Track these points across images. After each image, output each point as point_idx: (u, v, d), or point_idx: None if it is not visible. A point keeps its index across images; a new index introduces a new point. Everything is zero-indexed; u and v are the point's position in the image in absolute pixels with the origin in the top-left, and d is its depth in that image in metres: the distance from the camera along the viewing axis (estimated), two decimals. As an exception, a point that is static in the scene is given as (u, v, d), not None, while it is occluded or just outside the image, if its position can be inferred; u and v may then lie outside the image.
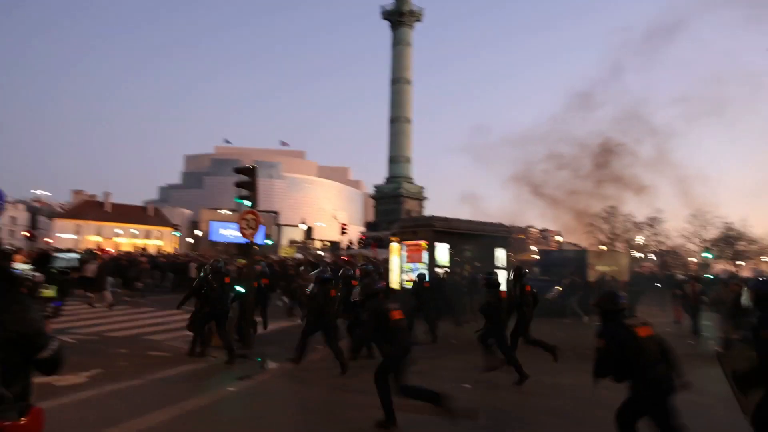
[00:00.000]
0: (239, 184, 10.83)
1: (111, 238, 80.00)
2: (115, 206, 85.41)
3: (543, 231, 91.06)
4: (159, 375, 7.87)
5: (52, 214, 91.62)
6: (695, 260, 62.50)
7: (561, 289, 19.22)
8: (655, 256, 62.39)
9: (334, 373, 8.16)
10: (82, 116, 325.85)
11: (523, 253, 59.53)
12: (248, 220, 10.58)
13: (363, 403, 6.33)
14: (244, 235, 10.60)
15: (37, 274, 6.08)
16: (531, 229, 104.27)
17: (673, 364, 4.44)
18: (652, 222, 60.58)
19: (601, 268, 20.76)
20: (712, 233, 59.11)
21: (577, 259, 20.96)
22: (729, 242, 59.61)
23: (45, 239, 73.49)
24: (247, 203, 10.75)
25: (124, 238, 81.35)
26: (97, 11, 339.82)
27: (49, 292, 9.03)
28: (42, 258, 8.98)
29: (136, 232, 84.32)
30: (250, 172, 10.79)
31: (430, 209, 53.01)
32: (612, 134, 19.82)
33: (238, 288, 10.25)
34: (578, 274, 19.52)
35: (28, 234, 26.38)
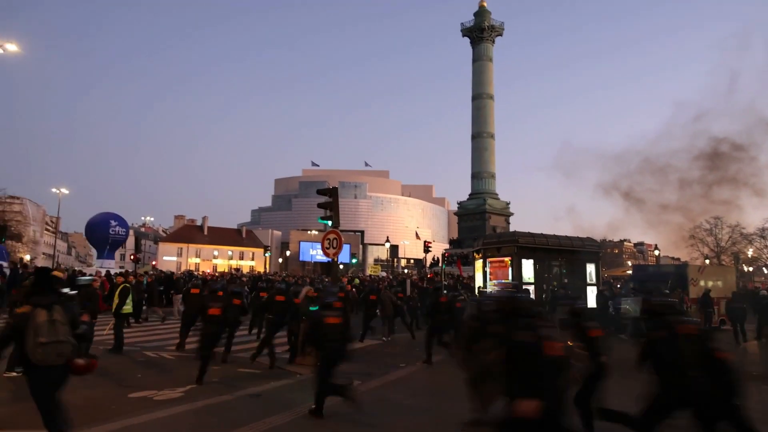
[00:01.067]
0: (321, 205, 11.14)
1: (209, 260, 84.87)
2: (212, 229, 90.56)
3: (638, 245, 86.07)
4: (248, 391, 8.17)
5: (157, 238, 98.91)
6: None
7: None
8: (768, 270, 57.01)
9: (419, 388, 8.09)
10: (183, 145, 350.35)
11: (616, 269, 56.56)
12: (330, 240, 10.83)
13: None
14: (326, 254, 10.86)
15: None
16: (626, 243, 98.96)
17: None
18: (764, 233, 55.50)
19: (705, 283, 19.26)
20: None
21: (677, 273, 19.56)
22: None
23: (152, 262, 79.29)
24: (330, 223, 11.02)
25: (221, 260, 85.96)
26: (198, 43, 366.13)
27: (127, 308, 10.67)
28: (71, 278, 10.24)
29: (231, 253, 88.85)
30: (332, 192, 11.07)
31: (516, 226, 51.85)
32: (724, 141, 18.68)
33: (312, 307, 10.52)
34: (679, 289, 18.24)
35: (133, 257, 28.50)
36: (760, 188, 18.96)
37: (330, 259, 10.99)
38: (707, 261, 49.66)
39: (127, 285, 11.82)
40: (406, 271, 65.73)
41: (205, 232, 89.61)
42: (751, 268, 54.60)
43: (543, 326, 3.79)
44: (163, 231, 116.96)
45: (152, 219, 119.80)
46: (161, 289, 21.72)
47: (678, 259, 58.26)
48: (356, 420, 6.78)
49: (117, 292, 11.82)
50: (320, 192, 11.33)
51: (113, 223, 46.12)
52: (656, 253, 42.81)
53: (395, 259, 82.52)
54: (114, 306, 11.75)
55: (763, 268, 58.05)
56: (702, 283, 19.17)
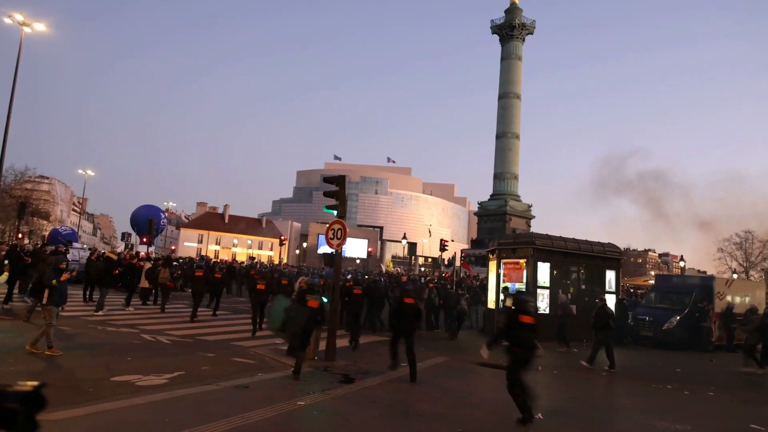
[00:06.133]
0: (328, 194, 10.70)
1: (229, 248, 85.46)
2: (233, 218, 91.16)
3: (663, 255, 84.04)
4: (235, 382, 7.78)
5: (180, 224, 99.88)
6: None
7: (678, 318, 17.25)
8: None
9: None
10: (208, 133, 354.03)
11: (638, 278, 55.14)
12: (335, 230, 10.39)
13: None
14: (330, 245, 10.43)
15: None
16: (650, 253, 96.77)
17: None
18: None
19: (731, 298, 18.35)
20: None
21: (702, 286, 18.67)
22: None
23: (171, 246, 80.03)
24: (336, 213, 10.57)
25: (240, 248, 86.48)
26: (231, 32, 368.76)
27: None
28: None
29: (250, 242, 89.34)
30: (339, 181, 10.61)
31: (538, 229, 50.83)
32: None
33: (323, 298, 10.09)
34: (705, 302, 17.41)
35: (146, 240, 28.55)
36: None
37: (334, 250, 10.55)
38: (735, 275, 48.05)
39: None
40: (423, 269, 65.09)
41: (226, 220, 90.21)
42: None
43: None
44: (185, 217, 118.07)
45: (174, 205, 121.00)
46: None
47: (704, 272, 56.61)
48: (341, 413, 6.33)
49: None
50: (327, 180, 10.87)
51: (162, 216, 47.07)
52: (682, 264, 41.53)
53: (413, 257, 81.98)
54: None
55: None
56: (729, 297, 18.28)
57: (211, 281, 16.99)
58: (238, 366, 9.13)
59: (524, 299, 7.32)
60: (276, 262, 62.91)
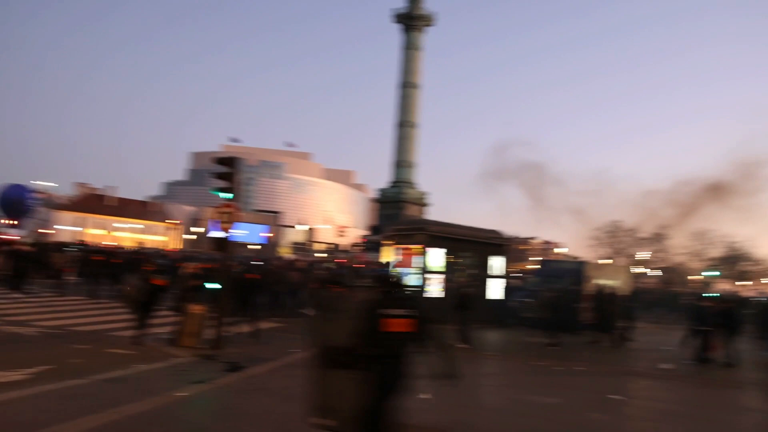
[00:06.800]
0: (220, 175, 10.24)
1: (112, 232, 79.73)
2: (118, 200, 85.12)
3: (546, 243, 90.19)
4: (109, 374, 7.27)
5: (55, 205, 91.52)
6: (697, 278, 61.70)
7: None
8: (661, 272, 61.59)
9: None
10: (94, 112, 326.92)
11: (521, 263, 58.91)
12: (225, 214, 9.99)
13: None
14: (219, 229, 10.02)
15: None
16: (533, 240, 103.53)
17: None
18: (657, 237, 59.78)
19: (601, 280, 20.07)
20: (715, 252, 58.52)
21: (576, 270, 20.27)
22: (732, 262, 58.92)
23: (42, 230, 73.23)
24: (226, 195, 10.16)
25: (126, 233, 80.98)
26: (111, 10, 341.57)
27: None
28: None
29: (138, 226, 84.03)
30: (231, 162, 10.20)
31: (437, 216, 52.56)
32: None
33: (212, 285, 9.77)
34: (577, 284, 18.89)
35: (14, 223, 25.92)
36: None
37: (225, 235, 10.14)
38: (607, 261, 52.74)
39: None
40: (321, 255, 64.94)
41: (110, 203, 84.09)
42: (643, 270, 58.62)
43: None
44: (63, 199, 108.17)
45: (51, 185, 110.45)
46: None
47: (580, 258, 61.57)
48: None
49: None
50: (219, 161, 10.40)
51: (30, 194, 42.63)
52: (562, 250, 44.83)
53: (311, 243, 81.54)
54: None
55: (650, 271, 62.66)
56: (597, 280, 19.96)
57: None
58: (114, 357, 8.54)
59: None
60: (167, 248, 59.76)
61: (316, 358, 4.32)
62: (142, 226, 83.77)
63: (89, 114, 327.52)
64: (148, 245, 62.34)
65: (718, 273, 51.19)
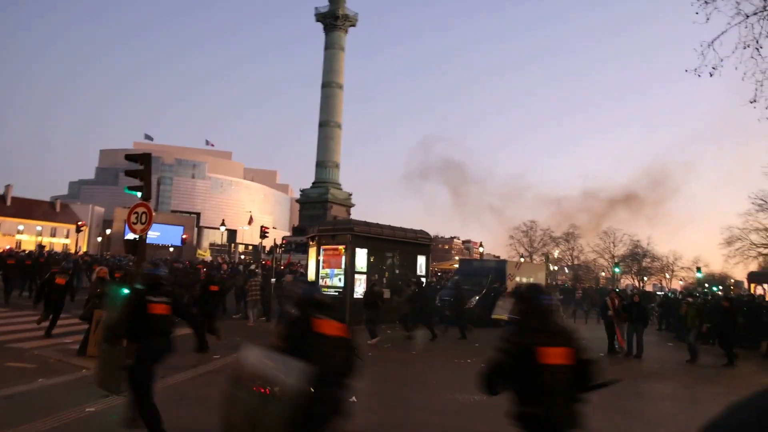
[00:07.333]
0: (130, 173, 9.63)
1: (12, 235, 73.54)
2: (17, 200, 78.59)
3: (466, 242, 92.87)
4: (8, 391, 6.60)
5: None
6: (604, 274, 65.81)
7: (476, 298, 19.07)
8: (569, 269, 65.10)
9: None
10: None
11: (445, 262, 60.32)
12: (138, 214, 9.40)
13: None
14: (132, 230, 9.41)
15: None
16: (455, 240, 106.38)
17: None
18: (568, 237, 63.08)
19: (519, 278, 20.84)
20: (621, 250, 62.51)
21: (497, 269, 20.95)
22: (636, 259, 63.26)
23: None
24: (139, 194, 9.57)
25: (26, 235, 74.94)
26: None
27: None
28: None
29: (41, 228, 78.07)
30: (144, 159, 9.62)
31: (360, 217, 52.66)
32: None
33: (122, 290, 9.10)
34: (498, 282, 19.51)
35: None
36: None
37: (137, 236, 9.54)
38: (522, 259, 54.97)
39: None
40: (243, 257, 63.25)
41: (8, 203, 77.53)
42: (556, 267, 61.67)
43: None
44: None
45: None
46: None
47: (498, 256, 63.91)
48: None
49: None
50: (130, 158, 9.78)
51: None
52: (481, 249, 46.23)
53: (233, 245, 79.22)
54: None
55: (565, 268, 66.03)
56: (518, 278, 20.74)
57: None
58: (12, 372, 7.79)
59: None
60: (73, 250, 55.91)
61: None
62: (40, 228, 77.94)
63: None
64: (52, 248, 57.98)
65: (620, 269, 54.82)
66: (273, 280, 18.10)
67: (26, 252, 35.31)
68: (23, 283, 19.62)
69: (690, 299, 14.99)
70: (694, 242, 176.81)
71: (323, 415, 3.34)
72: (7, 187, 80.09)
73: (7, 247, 44.59)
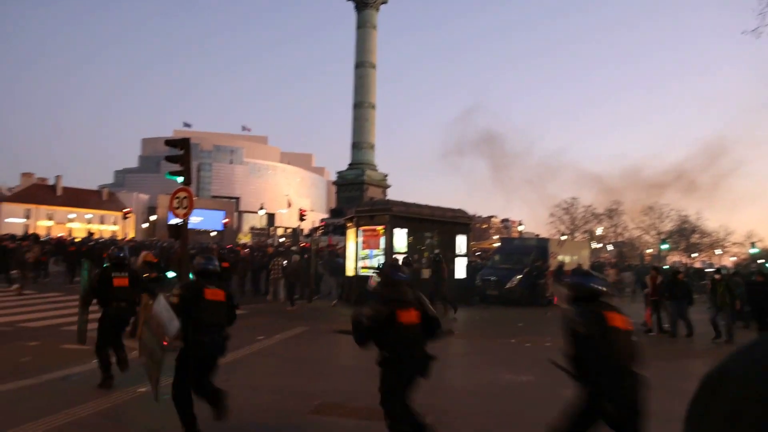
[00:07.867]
0: (171, 158, 9.74)
1: (63, 223, 76.59)
2: (67, 190, 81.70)
3: (505, 221, 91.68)
4: (63, 372, 6.82)
5: (0, 197, 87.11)
6: (651, 251, 63.83)
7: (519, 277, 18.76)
8: (613, 246, 63.41)
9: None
10: (36, 100, 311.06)
11: (484, 241, 59.68)
12: (180, 199, 9.52)
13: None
14: (175, 214, 9.55)
15: None
16: (493, 218, 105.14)
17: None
18: (611, 213, 61.37)
19: (562, 257, 20.39)
20: (668, 226, 60.41)
21: (539, 247, 20.52)
22: (684, 235, 61.05)
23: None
24: (180, 179, 9.68)
25: (78, 223, 77.94)
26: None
27: None
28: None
29: (90, 216, 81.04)
30: (183, 144, 9.70)
31: (396, 197, 52.45)
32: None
33: (170, 273, 9.31)
34: (540, 260, 19.12)
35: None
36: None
37: (180, 221, 9.68)
38: (564, 237, 53.93)
39: None
40: (282, 240, 64.14)
41: (59, 193, 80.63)
42: (600, 245, 60.26)
43: None
44: (7, 190, 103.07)
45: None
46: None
47: (538, 235, 62.87)
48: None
49: None
50: (170, 144, 9.89)
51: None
52: (520, 228, 45.48)
53: (271, 228, 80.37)
54: None
55: (608, 246, 64.45)
56: (560, 257, 20.29)
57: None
58: (68, 354, 8.05)
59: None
60: (120, 237, 57.80)
61: None
62: (91, 216, 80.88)
63: (29, 103, 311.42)
64: (106, 235, 60.14)
65: (668, 246, 53.05)
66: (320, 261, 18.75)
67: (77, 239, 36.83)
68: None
69: (717, 276, 13.51)
70: (748, 218, 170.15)
71: (204, 355, 4.68)
72: (58, 177, 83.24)
73: (60, 234, 46.38)
